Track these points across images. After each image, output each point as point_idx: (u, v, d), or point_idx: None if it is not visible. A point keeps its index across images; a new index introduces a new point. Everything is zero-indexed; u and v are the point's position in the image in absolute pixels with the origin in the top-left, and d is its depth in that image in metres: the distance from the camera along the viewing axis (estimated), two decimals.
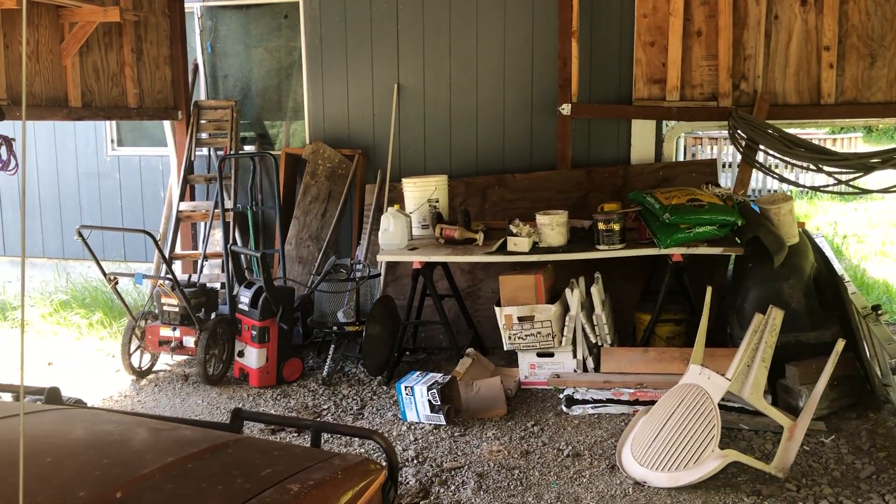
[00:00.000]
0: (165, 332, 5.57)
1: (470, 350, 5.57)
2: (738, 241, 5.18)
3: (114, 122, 7.80)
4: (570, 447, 4.42)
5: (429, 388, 4.79)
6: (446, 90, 6.76)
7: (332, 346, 5.71)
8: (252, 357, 5.49)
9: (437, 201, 5.86)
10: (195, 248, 7.35)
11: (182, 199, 7.12)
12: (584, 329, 5.21)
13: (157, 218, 7.52)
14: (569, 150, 6.43)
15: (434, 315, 5.70)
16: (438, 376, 4.95)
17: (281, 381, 5.59)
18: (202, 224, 7.26)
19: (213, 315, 5.79)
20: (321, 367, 5.79)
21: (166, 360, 6.01)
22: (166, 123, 7.19)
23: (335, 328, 5.65)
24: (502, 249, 5.32)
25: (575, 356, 5.26)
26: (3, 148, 5.18)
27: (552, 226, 5.30)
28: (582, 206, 6.24)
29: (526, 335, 5.23)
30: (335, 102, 7.01)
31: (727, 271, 5.89)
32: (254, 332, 5.45)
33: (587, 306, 5.29)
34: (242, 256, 6.25)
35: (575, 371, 5.26)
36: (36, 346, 6.39)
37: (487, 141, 6.74)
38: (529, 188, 6.45)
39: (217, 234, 7.14)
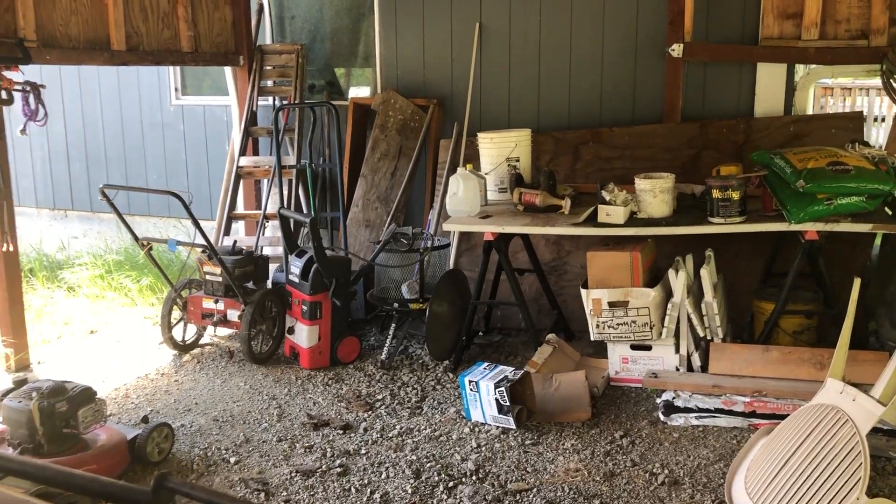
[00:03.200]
0: (208, 303, 5.00)
1: (551, 336, 4.76)
2: (893, 217, 4.11)
3: (177, 69, 7.26)
4: (666, 471, 3.56)
5: (496, 385, 4.02)
6: (535, 29, 5.83)
7: (394, 325, 5.00)
8: (302, 335, 4.85)
9: (518, 160, 5.00)
10: (259, 207, 6.77)
11: (243, 153, 6.53)
12: (689, 319, 4.29)
13: (221, 172, 6.97)
14: (679, 99, 5.41)
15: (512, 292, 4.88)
16: (510, 370, 4.16)
17: (335, 361, 4.94)
18: (265, 181, 6.66)
19: (268, 285, 5.18)
20: (383, 345, 5.09)
21: (216, 333, 5.45)
22: (227, 70, 6.58)
23: (396, 305, 4.93)
24: (592, 220, 4.43)
25: (677, 351, 4.35)
26: (31, 96, 4.64)
27: (654, 192, 4.36)
28: (693, 168, 5.25)
29: (618, 324, 4.36)
30: (409, 45, 6.20)
31: (872, 252, 4.80)
32: (304, 308, 4.80)
33: (695, 291, 4.36)
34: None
35: (677, 369, 4.36)
36: (84, 312, 5.97)
37: (582, 89, 5.79)
38: (630, 144, 5.49)
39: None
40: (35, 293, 6.30)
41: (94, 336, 5.57)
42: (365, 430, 4.11)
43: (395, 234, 4.81)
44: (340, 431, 4.09)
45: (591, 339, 4.49)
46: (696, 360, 4.32)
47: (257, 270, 5.04)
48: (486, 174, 5.04)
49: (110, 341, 5.46)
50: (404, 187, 6.07)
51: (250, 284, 5.05)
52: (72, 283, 6.38)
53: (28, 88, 4.62)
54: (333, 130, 6.44)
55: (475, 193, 4.78)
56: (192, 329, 5.26)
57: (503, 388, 3.99)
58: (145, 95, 7.45)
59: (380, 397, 4.50)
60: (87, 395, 3.55)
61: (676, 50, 5.28)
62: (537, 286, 5.25)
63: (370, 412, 4.32)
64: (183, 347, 5.18)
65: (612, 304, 4.35)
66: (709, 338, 4.33)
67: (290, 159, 6.30)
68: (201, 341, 5.33)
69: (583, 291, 4.42)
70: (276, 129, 5.51)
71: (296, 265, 4.87)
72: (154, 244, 4.82)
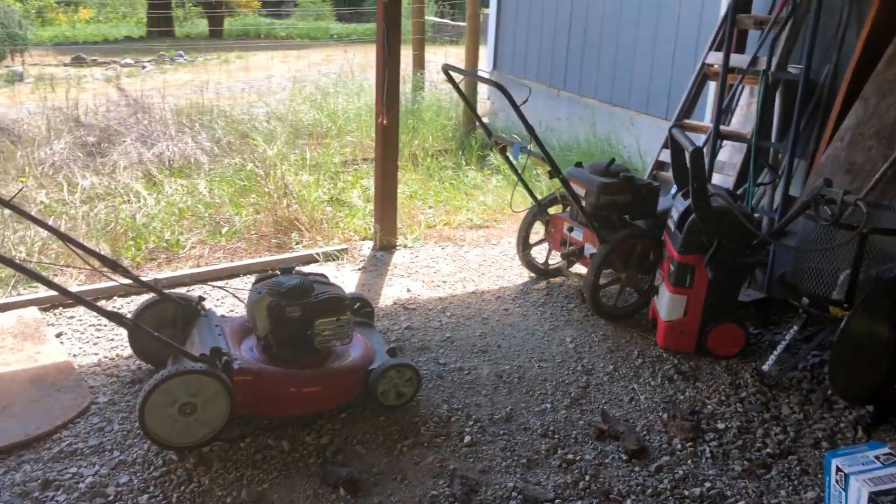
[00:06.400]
0: (567, 229, 4.01)
1: None
2: None
3: None
4: None
5: (874, 497, 2.30)
6: None
7: (795, 327, 3.35)
8: (663, 302, 3.58)
9: None
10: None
11: (717, 46, 5.08)
12: None
13: None
14: None
15: None
16: None
17: (703, 350, 3.57)
18: (746, 88, 5.12)
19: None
20: (791, 350, 3.51)
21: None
22: None
23: (805, 301, 3.26)
24: None
25: None
26: None
27: None
28: None
29: None
30: None
31: None
32: (671, 268, 3.50)
33: None
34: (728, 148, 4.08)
35: None
36: (490, 203, 5.49)
37: None
38: None
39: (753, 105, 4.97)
40: (456, 174, 6.09)
41: (477, 231, 5.08)
42: (657, 469, 2.81)
43: (818, 197, 3.07)
44: (624, 457, 2.88)
45: None
46: None
47: (637, 202, 3.83)
48: None
49: (487, 243, 4.91)
50: None
51: (627, 217, 3.88)
52: (493, 167, 5.97)
53: None
54: (850, 28, 4.59)
55: None
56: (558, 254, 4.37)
57: (888, 501, 2.27)
58: None
59: (720, 426, 3.07)
60: (332, 306, 3.04)
61: None
62: None
63: (690, 444, 2.96)
64: (541, 272, 4.35)
65: None
66: None
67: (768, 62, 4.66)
68: (574, 269, 4.41)
69: None
70: (731, 15, 3.99)
71: (678, 209, 3.54)
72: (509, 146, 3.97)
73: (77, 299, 2.67)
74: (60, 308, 3.83)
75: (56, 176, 5.46)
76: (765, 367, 3.38)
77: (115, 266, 3.08)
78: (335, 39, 17.43)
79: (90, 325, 3.66)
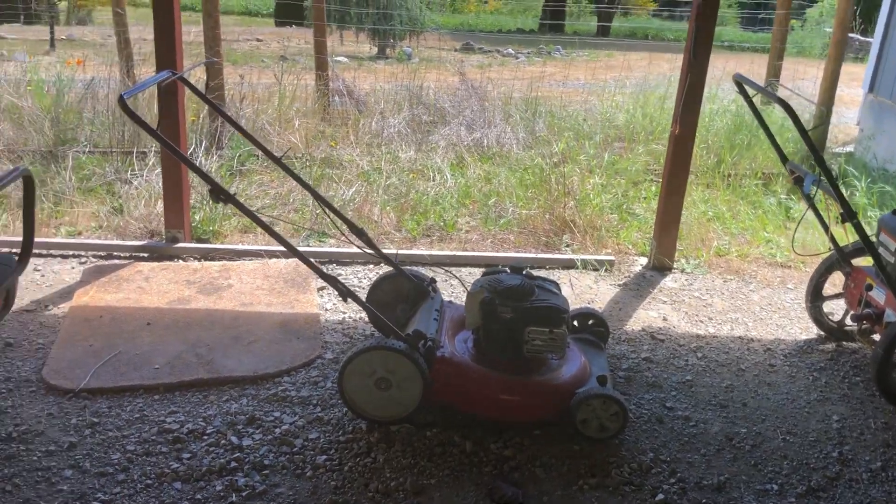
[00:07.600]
0: (867, 288, 3.28)
1: None
2: None
3: None
4: None
5: None
6: None
7: None
8: None
9: None
10: None
11: None
12: None
13: None
14: None
15: None
16: None
17: None
18: None
19: None
20: None
21: None
22: None
23: None
24: None
25: None
26: None
27: None
28: None
29: None
30: None
31: None
32: None
33: None
34: None
35: None
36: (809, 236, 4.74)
37: None
38: None
39: None
40: (778, 203, 5.35)
41: (774, 270, 4.38)
42: None
43: None
44: None
45: None
46: None
47: None
48: None
49: (781, 285, 4.23)
50: None
51: None
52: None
53: None
54: None
55: None
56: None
57: None
58: None
59: None
60: (547, 315, 2.86)
61: None
62: None
63: None
64: (833, 331, 3.64)
65: None
66: None
67: None
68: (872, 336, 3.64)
69: None
70: None
71: None
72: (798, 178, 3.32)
73: (299, 256, 2.83)
74: (334, 264, 4.16)
75: (383, 147, 5.93)
76: None
77: (360, 234, 3.23)
78: (725, 47, 16.56)
79: (351, 286, 3.90)
